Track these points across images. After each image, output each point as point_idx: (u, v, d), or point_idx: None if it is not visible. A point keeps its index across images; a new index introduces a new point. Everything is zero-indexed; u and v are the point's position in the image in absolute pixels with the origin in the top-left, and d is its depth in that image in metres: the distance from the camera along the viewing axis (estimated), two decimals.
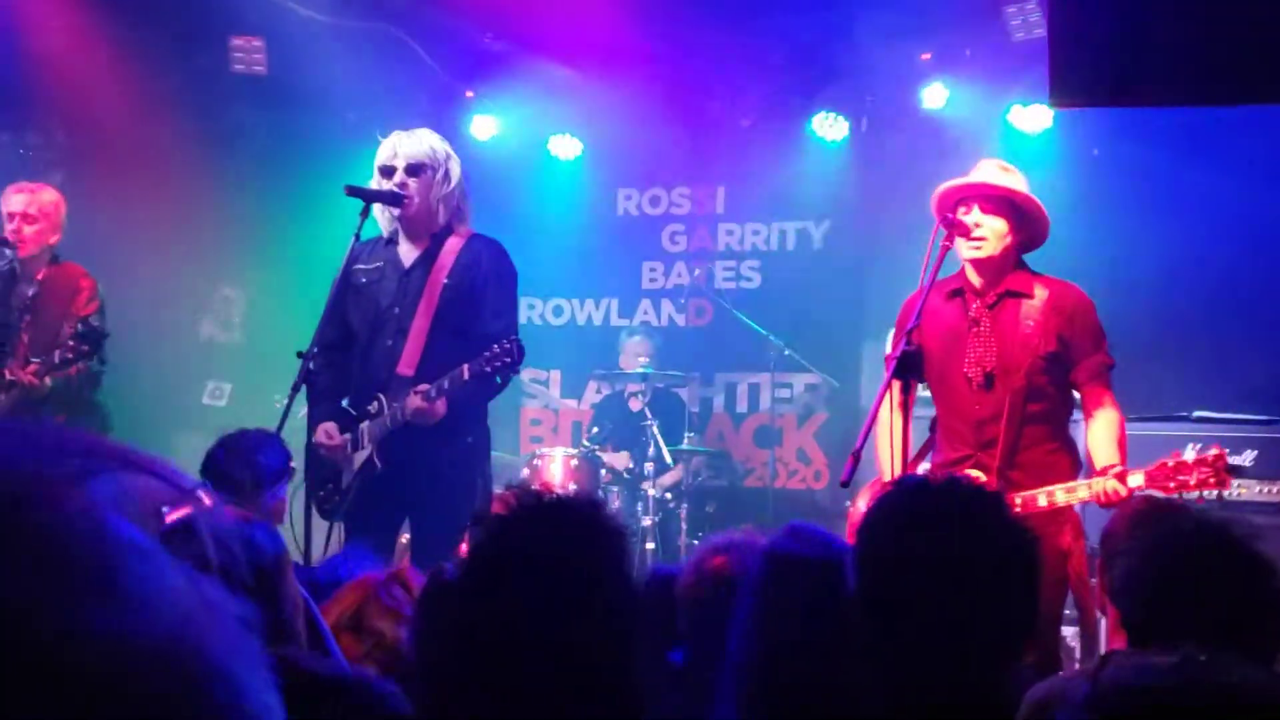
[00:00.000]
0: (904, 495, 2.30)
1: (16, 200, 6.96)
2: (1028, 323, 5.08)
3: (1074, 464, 5.12)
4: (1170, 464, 4.75)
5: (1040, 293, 5.12)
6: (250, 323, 10.70)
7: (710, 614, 3.04)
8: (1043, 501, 4.79)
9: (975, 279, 5.21)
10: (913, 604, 2.16)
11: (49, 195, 7.07)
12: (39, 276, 6.98)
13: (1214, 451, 4.76)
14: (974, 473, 4.93)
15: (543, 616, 2.08)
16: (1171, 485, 4.74)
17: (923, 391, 5.38)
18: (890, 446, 4.94)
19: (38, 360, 6.47)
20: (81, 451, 0.72)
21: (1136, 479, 4.75)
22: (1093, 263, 8.35)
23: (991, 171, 5.25)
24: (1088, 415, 5.07)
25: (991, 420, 5.06)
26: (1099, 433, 5.00)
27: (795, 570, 2.41)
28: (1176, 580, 2.93)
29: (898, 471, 4.95)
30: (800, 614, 2.33)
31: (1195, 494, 4.75)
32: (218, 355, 10.64)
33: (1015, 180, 5.24)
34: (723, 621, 3.03)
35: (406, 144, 5.59)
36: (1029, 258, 5.28)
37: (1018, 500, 4.72)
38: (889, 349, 5.57)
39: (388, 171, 5.58)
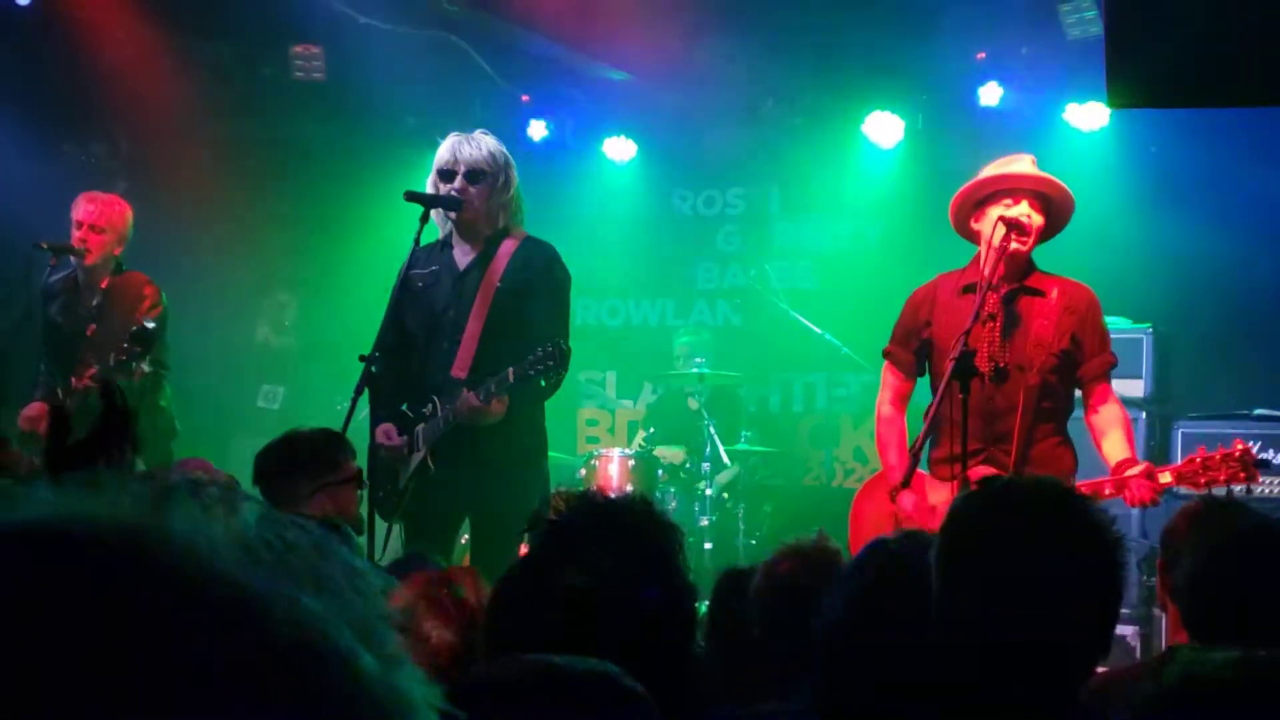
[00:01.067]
0: (991, 497, 2.27)
1: (86, 209, 7.04)
2: (1043, 320, 5.13)
3: (1074, 459, 5.21)
4: (1199, 460, 4.79)
5: (1053, 291, 5.18)
6: (303, 327, 10.79)
7: (780, 618, 3.06)
8: None
9: (993, 273, 5.25)
10: (997, 608, 2.14)
11: (118, 206, 7.15)
12: (103, 285, 7.08)
13: (1239, 447, 4.79)
14: (984, 468, 4.98)
15: (600, 613, 2.12)
16: (1203, 481, 4.78)
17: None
18: (911, 445, 5.02)
19: (97, 367, 6.56)
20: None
21: (1165, 476, 4.82)
22: (1150, 261, 8.29)
23: (1030, 166, 5.33)
24: (1094, 411, 5.17)
25: (1004, 414, 5.10)
26: (1111, 428, 5.09)
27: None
28: (1238, 579, 2.93)
29: (899, 469, 5.16)
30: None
31: (1224, 488, 4.79)
32: (271, 359, 10.74)
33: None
34: (792, 625, 3.04)
35: (466, 150, 5.56)
36: (1035, 253, 5.34)
37: None
38: (889, 344, 5.55)
39: (447, 175, 5.56)
